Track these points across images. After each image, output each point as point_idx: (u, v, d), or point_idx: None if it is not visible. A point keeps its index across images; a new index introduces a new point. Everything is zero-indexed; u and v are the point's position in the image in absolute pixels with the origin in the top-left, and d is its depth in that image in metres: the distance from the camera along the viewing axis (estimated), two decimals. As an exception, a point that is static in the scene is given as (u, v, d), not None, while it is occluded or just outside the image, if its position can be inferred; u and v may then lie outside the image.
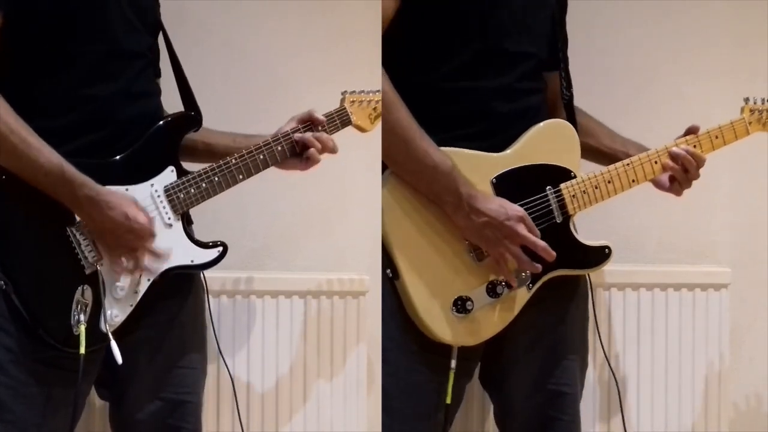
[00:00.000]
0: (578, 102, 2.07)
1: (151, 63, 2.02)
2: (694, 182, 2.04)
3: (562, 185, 1.94)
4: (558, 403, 1.99)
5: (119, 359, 1.86)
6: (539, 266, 1.88)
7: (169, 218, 1.95)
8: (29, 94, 1.86)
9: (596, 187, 1.96)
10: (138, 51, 1.97)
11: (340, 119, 2.12)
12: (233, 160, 2.00)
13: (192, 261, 1.98)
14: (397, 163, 1.85)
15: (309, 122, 2.08)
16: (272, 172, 2.07)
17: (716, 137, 2.04)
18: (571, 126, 1.98)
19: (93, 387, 2.00)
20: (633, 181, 1.99)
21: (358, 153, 2.23)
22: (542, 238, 1.88)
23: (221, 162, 1.99)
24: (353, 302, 2.49)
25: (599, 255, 1.97)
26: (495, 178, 1.89)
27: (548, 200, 1.92)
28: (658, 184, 2.06)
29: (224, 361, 2.30)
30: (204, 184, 1.98)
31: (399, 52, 1.88)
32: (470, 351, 1.92)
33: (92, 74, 1.90)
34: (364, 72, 2.36)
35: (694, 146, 2.02)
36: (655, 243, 2.62)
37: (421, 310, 1.85)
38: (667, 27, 2.62)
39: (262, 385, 2.44)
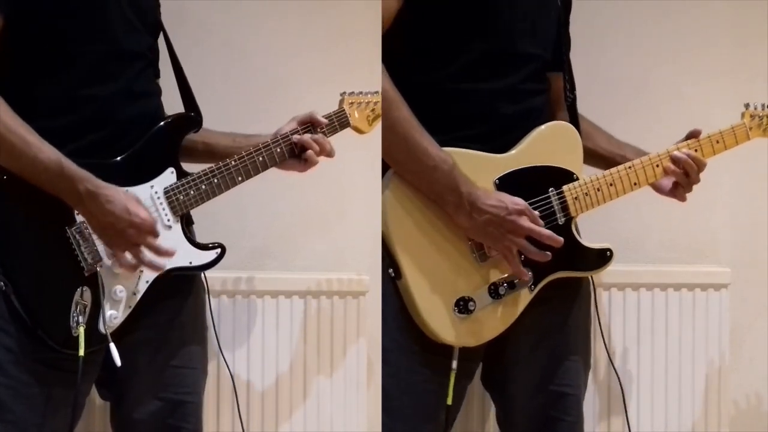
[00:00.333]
0: (578, 102, 2.06)
1: (151, 63, 2.02)
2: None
3: (565, 187, 1.94)
4: (561, 404, 1.99)
5: (118, 362, 1.86)
6: (548, 254, 1.87)
7: (169, 220, 1.95)
8: (29, 95, 1.86)
9: (598, 190, 1.96)
10: (138, 51, 1.97)
11: (338, 121, 2.13)
12: (232, 162, 2.00)
13: (190, 263, 1.98)
14: (398, 163, 1.85)
15: (309, 124, 2.08)
16: (272, 172, 2.07)
17: (717, 142, 2.04)
18: (574, 128, 1.98)
19: (93, 387, 2.00)
20: (635, 183, 1.99)
21: (358, 153, 2.23)
22: (544, 240, 1.88)
23: (221, 163, 1.99)
24: (353, 302, 2.49)
25: (601, 257, 1.97)
26: (498, 179, 1.89)
27: (550, 202, 1.92)
28: (658, 189, 2.06)
29: (224, 361, 2.31)
30: (203, 186, 1.97)
31: (402, 52, 1.88)
32: (471, 352, 1.92)
33: (92, 74, 1.90)
34: (364, 72, 2.35)
35: (695, 150, 2.02)
36: (655, 243, 2.62)
37: (423, 310, 1.85)
38: (667, 27, 2.62)
39: (262, 384, 2.44)
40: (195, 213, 2.03)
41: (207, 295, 2.12)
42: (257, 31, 2.56)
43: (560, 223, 1.93)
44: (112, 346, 1.86)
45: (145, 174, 1.94)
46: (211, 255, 2.00)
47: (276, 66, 2.56)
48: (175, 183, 1.96)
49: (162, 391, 1.99)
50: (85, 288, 1.86)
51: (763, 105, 2.08)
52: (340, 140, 2.12)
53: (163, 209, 1.94)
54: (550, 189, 1.93)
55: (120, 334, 1.90)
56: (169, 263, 1.94)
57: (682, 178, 2.01)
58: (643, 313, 2.48)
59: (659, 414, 2.48)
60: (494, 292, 1.89)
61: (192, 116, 2.04)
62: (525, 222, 1.85)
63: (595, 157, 2.10)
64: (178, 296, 2.02)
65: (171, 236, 1.95)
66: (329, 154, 2.09)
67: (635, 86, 2.61)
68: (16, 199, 1.83)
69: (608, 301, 2.47)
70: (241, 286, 2.43)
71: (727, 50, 2.63)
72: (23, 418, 1.84)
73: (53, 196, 1.83)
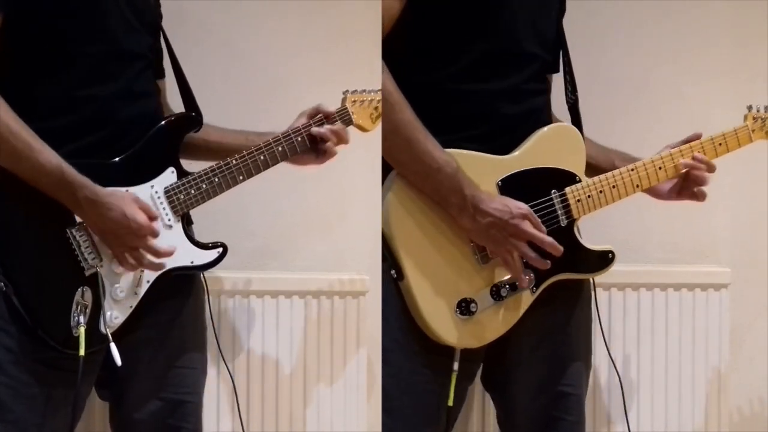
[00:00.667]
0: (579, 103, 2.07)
1: (151, 63, 2.02)
2: (694, 183, 2.05)
3: (567, 189, 1.94)
4: (562, 404, 1.99)
5: (119, 362, 1.86)
6: (548, 262, 1.88)
7: (169, 219, 1.95)
8: (29, 95, 1.86)
9: (601, 192, 1.96)
10: (138, 51, 1.97)
11: (341, 119, 2.12)
12: (233, 161, 2.00)
13: (192, 262, 1.98)
14: (402, 165, 1.85)
15: (320, 116, 2.08)
16: (272, 172, 2.07)
17: (719, 144, 2.04)
18: (577, 130, 1.98)
19: (93, 387, 2.00)
20: (637, 186, 2.00)
21: (359, 153, 2.23)
22: (546, 242, 1.88)
23: (221, 162, 1.99)
24: (353, 302, 2.49)
25: (603, 259, 1.97)
26: (501, 180, 1.89)
27: (553, 204, 1.92)
28: (656, 194, 2.07)
29: (224, 361, 2.30)
30: (204, 185, 1.97)
31: (403, 53, 1.88)
32: (472, 353, 1.92)
33: (92, 75, 1.90)
34: (365, 72, 2.35)
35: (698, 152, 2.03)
36: (655, 243, 2.63)
37: (424, 311, 1.85)
38: (667, 27, 2.62)
39: (262, 385, 2.44)
40: (195, 213, 2.03)
41: (207, 296, 2.12)
42: (257, 31, 2.56)
43: (562, 225, 1.93)
44: (113, 347, 1.86)
45: (145, 174, 1.94)
46: (213, 254, 2.00)
47: (276, 66, 2.56)
48: (175, 182, 1.96)
49: (162, 391, 1.99)
50: (85, 288, 1.86)
51: (766, 107, 2.08)
52: (340, 141, 2.12)
53: (164, 209, 1.94)
54: (553, 191, 1.93)
55: (120, 333, 1.90)
56: (170, 263, 1.94)
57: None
58: (643, 314, 2.48)
59: (659, 414, 2.49)
60: (496, 293, 1.89)
61: (192, 116, 2.04)
62: (527, 227, 1.85)
63: None
64: (179, 296, 2.02)
65: (172, 236, 1.95)
66: (346, 142, 2.10)
67: (635, 86, 2.61)
68: (16, 199, 1.83)
69: (608, 301, 2.48)
70: (241, 286, 2.43)
71: (727, 50, 2.63)
72: (23, 418, 1.84)
73: (52, 198, 1.83)
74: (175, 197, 1.95)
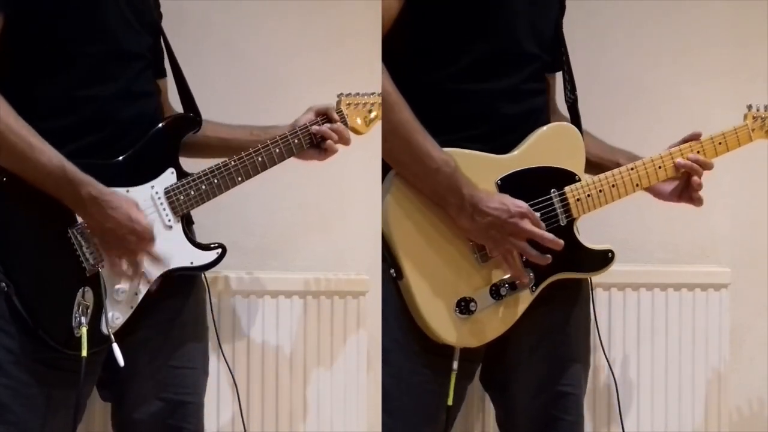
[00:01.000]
0: (578, 102, 2.07)
1: (150, 64, 2.02)
2: (695, 183, 2.05)
3: (567, 189, 1.94)
4: (561, 404, 1.99)
5: (121, 362, 1.86)
6: (549, 257, 1.88)
7: (169, 220, 1.95)
8: (29, 95, 1.86)
9: (600, 191, 1.96)
10: (137, 52, 1.97)
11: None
12: (232, 162, 2.00)
13: (191, 263, 1.98)
14: (401, 165, 1.85)
15: (325, 115, 2.10)
16: (272, 172, 2.07)
17: (719, 143, 2.04)
18: (576, 129, 1.98)
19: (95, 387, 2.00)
20: (637, 185, 1.99)
21: (358, 153, 2.23)
22: (546, 241, 1.88)
23: (220, 163, 2.00)
24: (353, 302, 2.49)
25: (602, 258, 1.97)
26: (500, 180, 1.89)
27: (552, 203, 1.92)
28: (658, 194, 2.07)
29: (225, 361, 2.31)
30: (204, 186, 1.98)
31: (402, 53, 1.88)
32: (472, 352, 1.92)
33: (92, 75, 1.90)
34: (364, 72, 2.36)
35: (698, 152, 2.02)
36: (655, 243, 2.63)
37: (424, 310, 1.85)
38: (667, 27, 2.62)
39: (262, 384, 2.44)
40: (196, 212, 2.03)
41: (207, 295, 2.12)
42: (257, 31, 2.56)
43: (562, 224, 1.93)
44: (116, 347, 1.86)
45: (145, 174, 1.94)
46: (212, 255, 2.01)
47: (276, 66, 2.56)
48: (175, 183, 1.96)
49: (163, 392, 1.99)
50: (86, 288, 1.86)
51: (765, 106, 2.07)
52: (340, 141, 2.12)
53: (164, 209, 1.94)
54: (552, 190, 1.93)
55: (121, 334, 1.90)
56: (170, 264, 1.94)
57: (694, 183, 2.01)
58: (643, 314, 2.48)
59: (659, 414, 2.49)
60: (495, 292, 1.89)
61: (191, 116, 2.04)
62: (526, 225, 1.85)
63: (587, 163, 2.10)
64: (179, 296, 2.02)
65: (172, 236, 1.95)
66: (347, 142, 2.11)
67: (635, 86, 2.61)
68: (17, 200, 1.83)
69: (608, 301, 2.48)
70: (241, 286, 2.43)
71: (727, 50, 2.63)
72: (24, 419, 1.84)
73: (54, 197, 1.83)
74: (175, 198, 1.95)
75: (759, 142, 2.13)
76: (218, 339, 2.26)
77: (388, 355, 1.89)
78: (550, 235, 1.87)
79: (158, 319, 1.97)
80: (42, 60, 1.87)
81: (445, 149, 1.84)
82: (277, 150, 2.05)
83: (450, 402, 1.90)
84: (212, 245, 2.01)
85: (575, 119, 2.02)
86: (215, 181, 1.99)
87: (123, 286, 1.90)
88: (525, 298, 1.92)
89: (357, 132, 2.17)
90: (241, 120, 2.18)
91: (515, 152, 1.92)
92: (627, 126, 2.17)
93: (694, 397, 2.49)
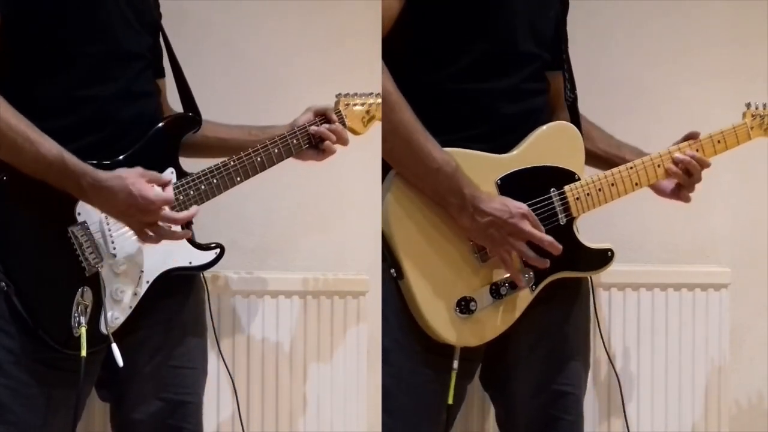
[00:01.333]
0: (578, 102, 2.06)
1: (150, 63, 2.02)
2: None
3: (566, 188, 1.94)
4: (561, 403, 1.99)
5: (120, 362, 1.86)
6: (547, 261, 1.88)
7: (169, 220, 1.95)
8: (29, 95, 1.86)
9: (600, 190, 1.96)
10: (137, 51, 1.97)
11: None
12: (231, 162, 2.00)
13: (190, 262, 1.99)
14: (401, 165, 1.85)
15: (324, 116, 2.11)
16: (271, 172, 2.07)
17: (718, 142, 2.04)
18: (576, 128, 1.98)
19: (93, 387, 2.00)
20: (636, 184, 2.00)
21: (358, 153, 2.23)
22: (545, 241, 1.88)
23: (219, 164, 2.00)
24: (353, 302, 2.48)
25: (602, 257, 1.97)
26: (500, 179, 1.89)
27: (552, 202, 1.92)
28: (659, 191, 2.07)
29: (224, 361, 2.31)
30: (203, 186, 1.98)
31: (403, 53, 1.88)
32: (472, 352, 1.92)
33: (92, 75, 1.90)
34: (364, 72, 2.36)
35: (697, 150, 2.02)
36: (655, 243, 2.62)
37: (424, 310, 1.85)
38: (667, 27, 2.62)
39: (262, 385, 2.44)
40: (196, 212, 2.03)
41: (207, 295, 2.12)
42: (257, 31, 2.56)
43: (562, 223, 1.93)
44: (114, 347, 1.86)
45: (145, 174, 1.94)
46: (211, 255, 2.01)
47: (276, 66, 2.56)
48: (175, 183, 1.96)
49: (162, 392, 1.99)
50: (86, 288, 1.86)
51: (764, 104, 2.07)
52: (340, 140, 2.12)
53: (164, 210, 1.94)
54: (552, 189, 1.93)
55: (120, 334, 1.90)
56: (169, 264, 1.94)
57: (684, 179, 2.02)
58: (643, 313, 2.48)
59: (659, 414, 2.48)
60: (495, 292, 1.89)
61: (191, 116, 2.04)
62: (526, 226, 1.85)
63: (594, 157, 2.10)
64: (178, 296, 2.02)
65: (171, 236, 1.95)
66: (345, 142, 2.11)
67: (635, 86, 2.61)
68: (16, 199, 1.83)
69: (608, 301, 2.47)
70: (241, 286, 2.43)
71: (727, 50, 2.63)
72: (24, 419, 1.84)
73: (54, 196, 1.83)
74: (174, 198, 1.95)
75: (759, 142, 2.13)
76: (217, 339, 2.27)
77: (388, 354, 1.89)
78: (549, 238, 1.87)
79: (158, 319, 1.97)
80: (42, 60, 1.87)
81: (445, 149, 1.84)
82: (276, 150, 2.05)
83: (450, 401, 1.90)
84: (211, 245, 2.01)
85: (575, 118, 2.02)
86: (214, 181, 1.99)
87: (122, 285, 1.89)
88: (525, 298, 1.92)
89: (355, 132, 2.18)
90: (240, 120, 2.18)
91: (514, 152, 1.92)
92: (627, 126, 2.16)
93: (694, 397, 2.49)
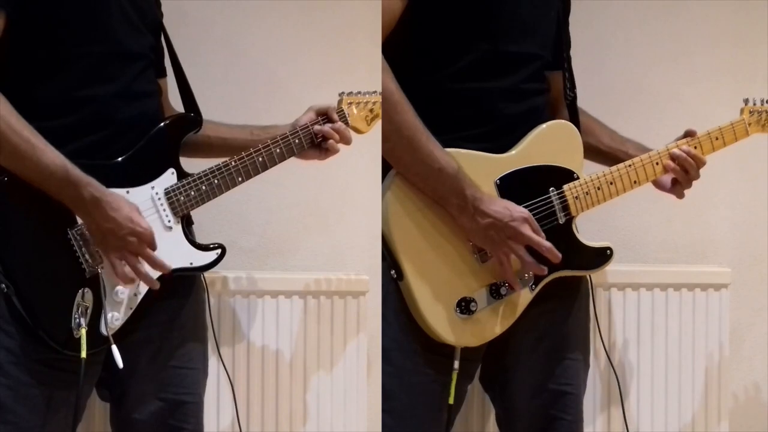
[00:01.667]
0: (578, 102, 2.06)
1: (151, 63, 2.02)
2: (694, 182, 2.04)
3: (565, 186, 1.94)
4: (561, 403, 1.99)
5: (120, 364, 1.86)
6: (545, 268, 1.88)
7: (169, 221, 1.95)
8: (30, 95, 1.85)
9: (599, 189, 1.96)
10: (139, 51, 1.97)
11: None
12: (232, 163, 2.00)
13: (191, 263, 1.98)
14: (403, 165, 1.85)
15: (326, 115, 2.10)
16: (272, 172, 2.07)
17: (716, 138, 2.04)
18: (575, 127, 1.98)
19: (93, 387, 2.00)
20: (635, 182, 1.99)
21: (359, 153, 2.23)
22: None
23: (220, 164, 1.99)
24: (353, 302, 2.48)
25: (601, 256, 1.97)
26: (499, 179, 1.89)
27: (551, 201, 1.93)
28: (660, 186, 2.07)
29: (222, 363, 2.31)
30: (204, 187, 1.98)
31: (405, 53, 1.88)
32: (472, 352, 1.92)
33: (93, 75, 1.90)
34: (364, 72, 2.36)
35: (695, 147, 2.02)
36: (655, 243, 2.62)
37: (424, 310, 1.85)
38: (667, 27, 2.62)
39: (261, 385, 2.44)
40: (196, 213, 2.03)
41: (207, 295, 2.12)
42: (257, 31, 2.56)
43: (561, 222, 1.93)
44: (115, 349, 1.86)
45: (145, 175, 1.94)
46: (212, 256, 2.00)
47: (276, 66, 2.56)
48: (175, 184, 1.96)
49: (162, 392, 1.99)
50: (86, 289, 1.86)
51: (762, 100, 2.07)
52: (340, 140, 2.12)
53: (164, 210, 1.94)
54: (551, 188, 1.93)
55: (120, 334, 1.90)
56: (170, 264, 1.94)
57: (682, 175, 2.02)
58: (643, 313, 2.48)
59: (659, 414, 2.48)
60: (495, 292, 1.89)
61: (192, 116, 2.04)
62: (526, 230, 1.85)
63: (597, 153, 2.10)
64: (178, 296, 2.02)
65: (171, 237, 1.95)
66: (348, 142, 2.11)
67: (635, 86, 2.61)
68: (17, 200, 1.82)
69: (608, 301, 2.47)
70: (241, 286, 2.43)
71: (727, 50, 2.63)
72: (24, 419, 1.84)
73: (55, 198, 1.83)
74: (175, 198, 1.95)
75: (759, 142, 2.13)
76: (217, 339, 2.27)
77: (388, 354, 1.89)
78: (548, 244, 1.87)
79: (158, 320, 1.97)
80: (42, 60, 1.86)
81: (446, 149, 1.83)
82: (278, 150, 2.05)
83: (451, 401, 1.90)
84: (212, 245, 2.00)
85: (574, 117, 2.02)
86: (215, 181, 1.98)
87: (122, 286, 1.89)
88: (524, 298, 1.92)
89: (358, 131, 2.17)
90: (241, 120, 2.18)
91: (513, 151, 1.92)
92: (627, 126, 2.16)
93: (693, 397, 2.49)
